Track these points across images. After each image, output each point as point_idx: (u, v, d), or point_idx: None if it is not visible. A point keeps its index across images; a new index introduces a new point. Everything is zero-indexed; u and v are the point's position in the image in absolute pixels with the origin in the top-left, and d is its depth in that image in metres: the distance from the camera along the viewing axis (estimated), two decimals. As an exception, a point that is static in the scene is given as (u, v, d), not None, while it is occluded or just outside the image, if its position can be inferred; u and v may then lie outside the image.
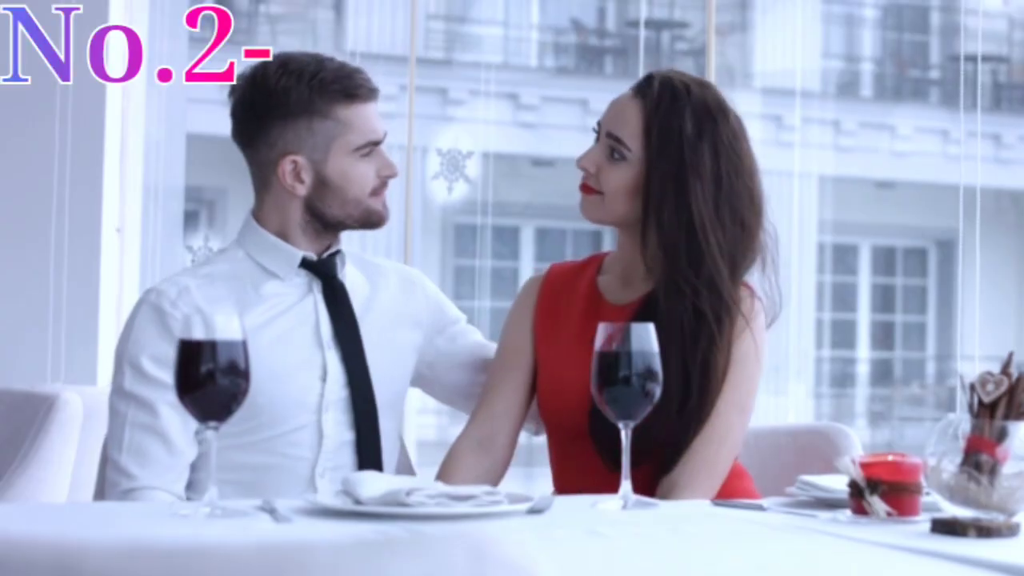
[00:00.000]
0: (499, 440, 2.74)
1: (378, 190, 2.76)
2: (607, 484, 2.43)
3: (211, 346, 2.09)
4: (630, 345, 2.28)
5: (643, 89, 2.70)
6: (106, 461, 2.70)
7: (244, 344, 2.12)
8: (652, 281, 2.69)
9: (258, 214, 2.79)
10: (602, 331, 2.31)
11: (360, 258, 2.90)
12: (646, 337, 2.30)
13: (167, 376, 2.58)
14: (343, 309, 2.76)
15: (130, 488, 2.58)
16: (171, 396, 2.55)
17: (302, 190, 2.72)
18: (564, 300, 2.79)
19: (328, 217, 2.74)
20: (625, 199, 2.67)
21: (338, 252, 2.80)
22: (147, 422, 2.61)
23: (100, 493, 2.77)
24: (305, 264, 2.76)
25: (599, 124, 2.72)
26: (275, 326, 2.70)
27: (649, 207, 2.64)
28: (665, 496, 2.56)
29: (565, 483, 2.71)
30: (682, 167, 2.63)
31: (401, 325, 2.84)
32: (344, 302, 2.77)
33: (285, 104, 2.70)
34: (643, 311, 2.63)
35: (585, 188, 2.71)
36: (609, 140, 2.68)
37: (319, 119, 2.70)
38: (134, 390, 2.62)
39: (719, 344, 2.61)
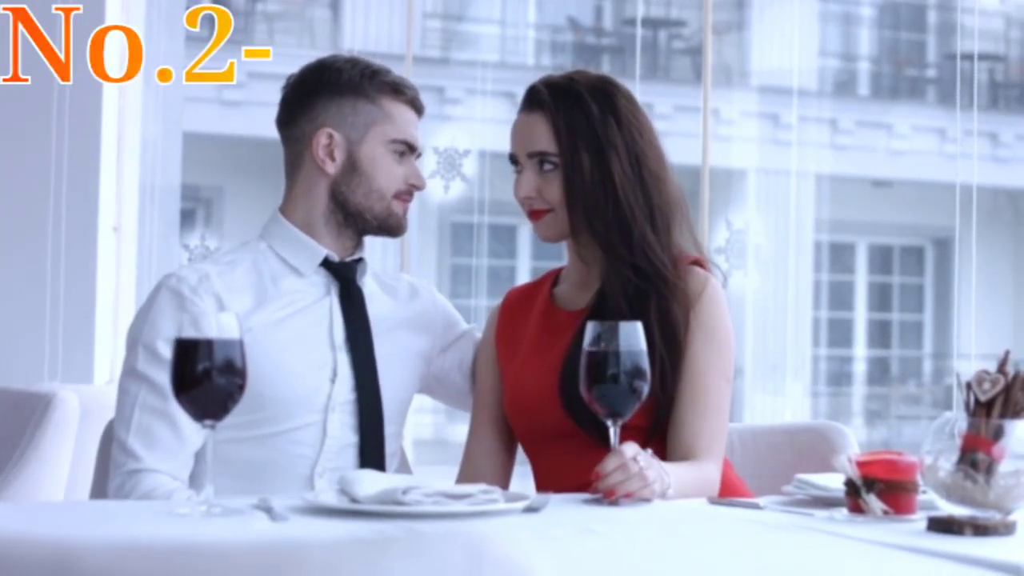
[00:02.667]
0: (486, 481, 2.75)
1: (403, 196, 2.80)
2: (588, 471, 2.44)
3: (208, 345, 2.08)
4: (618, 343, 2.31)
5: (536, 100, 2.75)
6: (110, 442, 2.70)
7: (241, 343, 2.11)
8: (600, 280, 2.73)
9: (285, 207, 2.83)
10: (590, 330, 2.33)
11: (378, 273, 2.92)
12: (634, 335, 2.32)
13: None
14: (358, 314, 2.78)
15: (135, 469, 2.58)
16: None
17: (332, 168, 2.77)
18: (521, 320, 2.84)
19: (351, 205, 2.76)
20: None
21: (361, 260, 2.82)
22: (157, 405, 2.60)
23: (98, 486, 2.77)
24: (327, 264, 2.78)
25: (513, 156, 2.76)
26: (290, 323, 2.72)
27: (577, 194, 2.68)
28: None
29: (549, 485, 2.71)
30: (598, 146, 2.69)
31: (410, 331, 2.86)
32: (359, 307, 2.79)
33: (336, 82, 2.78)
34: (595, 310, 2.67)
35: (535, 213, 2.75)
36: (533, 159, 2.73)
37: (364, 101, 2.77)
38: (147, 372, 2.62)
39: (671, 296, 2.66)
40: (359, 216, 2.77)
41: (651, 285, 2.66)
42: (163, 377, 2.60)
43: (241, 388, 2.11)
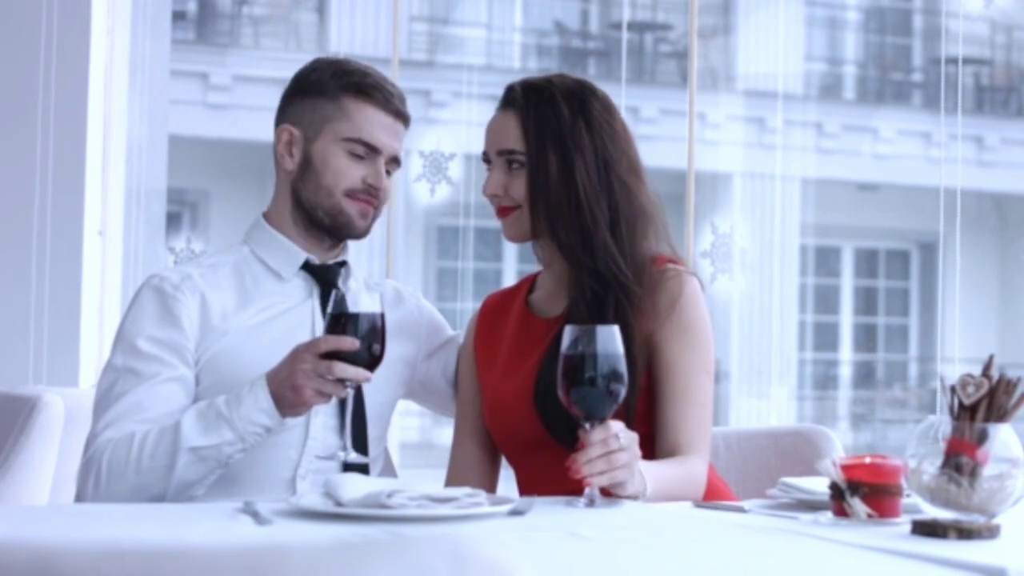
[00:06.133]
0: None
1: (357, 195, 2.76)
2: (572, 480, 2.45)
3: (355, 318, 2.40)
4: (595, 347, 2.32)
5: (510, 100, 2.76)
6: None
7: (382, 316, 2.43)
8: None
9: (268, 210, 2.85)
10: (568, 334, 2.35)
11: (363, 278, 2.92)
12: (610, 339, 2.34)
13: (163, 354, 2.61)
14: None
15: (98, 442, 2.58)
16: (167, 371, 2.59)
17: (290, 164, 2.78)
18: (499, 326, 2.84)
19: (304, 201, 2.77)
20: None
21: (344, 263, 2.82)
22: (129, 395, 2.60)
23: (80, 494, 2.77)
24: (308, 268, 2.77)
25: (485, 153, 2.77)
26: (273, 327, 2.72)
27: (541, 194, 2.69)
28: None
29: (532, 493, 2.72)
30: (564, 149, 2.69)
31: (395, 337, 2.85)
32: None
33: (305, 81, 2.81)
34: (568, 319, 2.66)
35: (502, 211, 2.75)
36: (502, 156, 2.73)
37: (324, 100, 2.77)
38: (126, 363, 2.63)
39: (629, 305, 2.65)
40: (312, 213, 2.77)
41: (609, 292, 2.66)
42: (142, 367, 2.61)
43: (380, 355, 2.43)
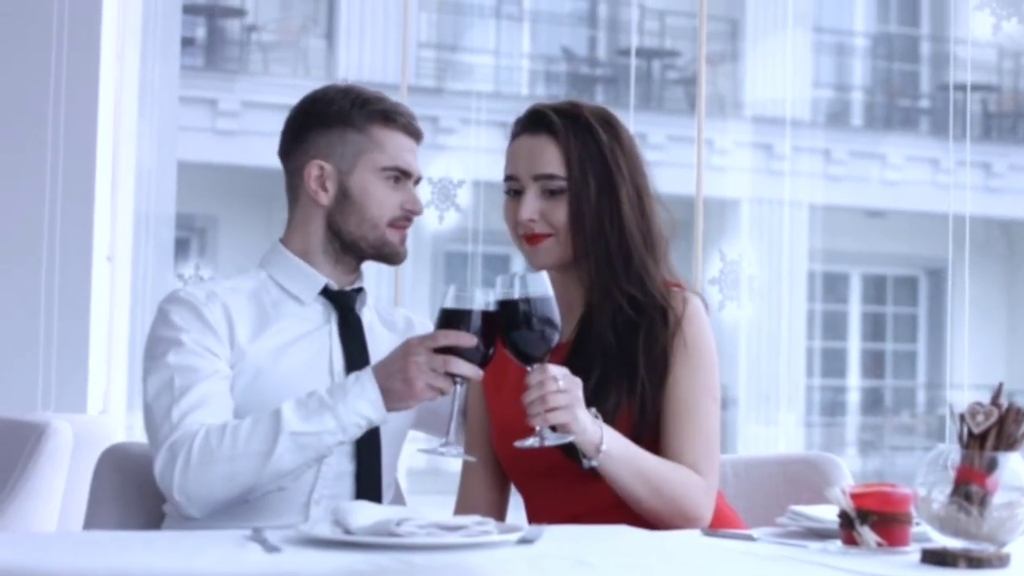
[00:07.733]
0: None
1: (399, 223, 2.78)
2: (580, 504, 2.44)
3: (470, 315, 2.40)
4: (528, 292, 2.41)
5: (541, 123, 2.73)
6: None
7: (497, 314, 2.41)
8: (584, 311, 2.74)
9: (285, 236, 2.84)
10: (499, 283, 2.41)
11: (376, 306, 2.92)
12: (542, 285, 2.42)
13: (210, 356, 2.63)
14: (356, 343, 2.78)
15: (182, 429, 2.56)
16: (224, 370, 2.63)
17: (325, 199, 2.77)
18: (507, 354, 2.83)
19: (345, 234, 2.76)
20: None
21: (361, 289, 2.83)
22: (194, 384, 2.60)
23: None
24: (327, 293, 2.78)
25: (513, 178, 2.73)
26: (291, 351, 2.71)
27: (584, 219, 2.68)
28: None
29: (541, 520, 2.71)
30: (608, 173, 2.70)
31: None
32: (358, 336, 2.79)
33: (325, 113, 2.78)
34: (577, 342, 2.69)
35: (536, 238, 2.71)
36: (540, 181, 2.70)
37: (353, 131, 2.76)
38: (180, 360, 2.62)
39: (663, 326, 2.67)
40: (355, 245, 2.78)
41: (643, 315, 2.66)
42: (197, 362, 2.61)
43: (491, 356, 2.43)
